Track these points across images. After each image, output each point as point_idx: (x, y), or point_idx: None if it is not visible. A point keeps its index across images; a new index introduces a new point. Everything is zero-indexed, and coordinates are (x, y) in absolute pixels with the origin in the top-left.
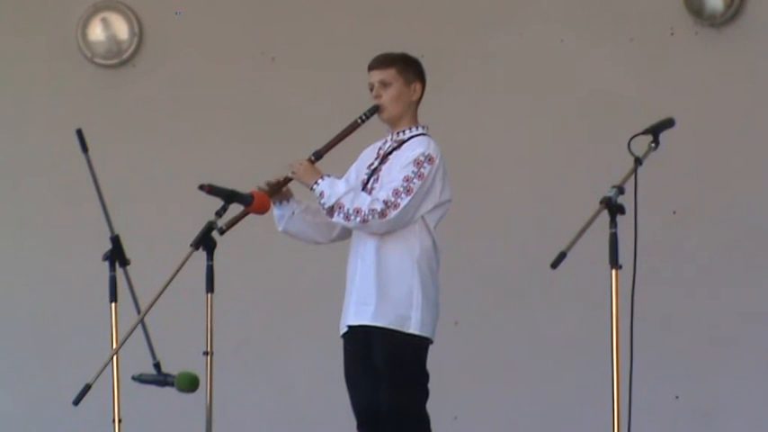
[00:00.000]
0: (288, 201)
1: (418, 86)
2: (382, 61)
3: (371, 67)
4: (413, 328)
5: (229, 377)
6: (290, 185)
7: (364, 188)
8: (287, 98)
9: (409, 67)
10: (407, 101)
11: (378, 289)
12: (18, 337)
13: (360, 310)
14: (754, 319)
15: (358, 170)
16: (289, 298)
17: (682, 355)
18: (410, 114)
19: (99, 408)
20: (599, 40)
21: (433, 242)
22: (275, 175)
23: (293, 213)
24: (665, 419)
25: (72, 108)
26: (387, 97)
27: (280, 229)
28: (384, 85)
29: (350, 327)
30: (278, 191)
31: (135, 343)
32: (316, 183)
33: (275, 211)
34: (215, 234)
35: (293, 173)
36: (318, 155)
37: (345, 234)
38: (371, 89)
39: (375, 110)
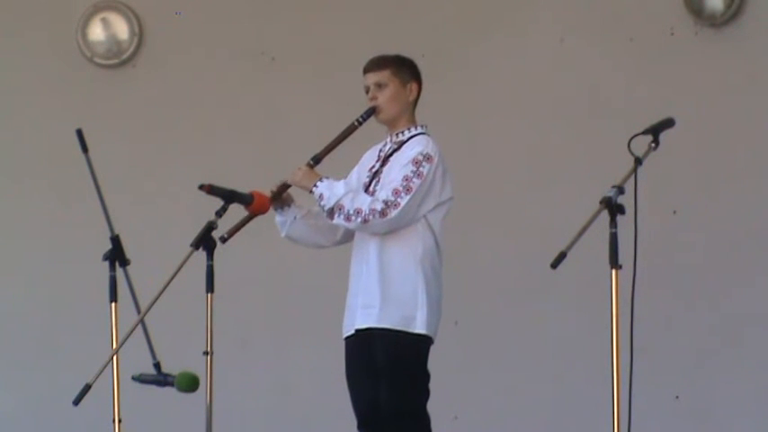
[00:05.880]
0: (289, 206)
1: (414, 86)
2: (376, 63)
3: (366, 70)
4: (419, 327)
5: (229, 377)
6: (292, 190)
7: (366, 191)
8: (287, 98)
9: (404, 68)
10: (404, 101)
11: (382, 291)
12: (18, 337)
13: (365, 314)
14: (754, 319)
15: (359, 173)
16: (289, 298)
17: (682, 356)
18: (408, 114)
19: (99, 408)
20: (599, 40)
21: (436, 242)
22: (275, 179)
23: (295, 218)
24: (665, 419)
25: (72, 108)
26: (383, 99)
27: (282, 234)
28: (379, 86)
29: (357, 330)
30: (278, 196)
31: (135, 343)
32: (314, 186)
33: (277, 217)
34: (215, 236)
35: (292, 178)
36: (317, 159)
37: (349, 237)
38: (367, 91)
39: (372, 111)
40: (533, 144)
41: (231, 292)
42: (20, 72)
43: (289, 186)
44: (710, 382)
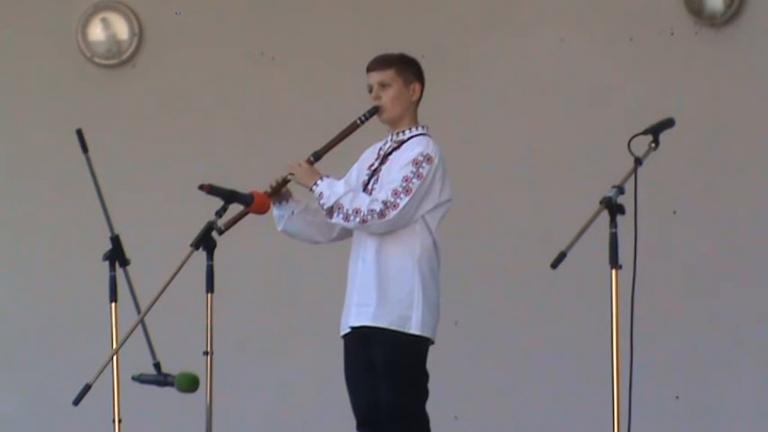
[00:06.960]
0: (287, 201)
1: (417, 87)
2: (381, 62)
3: (370, 69)
4: (413, 328)
5: (229, 377)
6: (290, 185)
7: (365, 189)
8: (287, 98)
9: (408, 68)
10: (407, 101)
11: (378, 290)
12: (18, 337)
13: (360, 312)
14: (755, 319)
15: (359, 171)
16: (289, 298)
17: (682, 355)
18: (410, 115)
19: (99, 408)
20: (599, 40)
21: (434, 242)
22: (275, 175)
23: (293, 213)
24: (665, 419)
25: (72, 108)
26: (386, 98)
27: (279, 228)
28: (383, 86)
29: (351, 328)
30: (277, 191)
31: (135, 343)
32: (315, 184)
33: (275, 210)
34: (215, 234)
35: (292, 174)
36: (317, 156)
37: (345, 234)
38: (370, 90)
39: (375, 111)
40: (533, 144)
41: (231, 293)
42: (20, 72)
43: (288, 182)
44: (710, 382)
